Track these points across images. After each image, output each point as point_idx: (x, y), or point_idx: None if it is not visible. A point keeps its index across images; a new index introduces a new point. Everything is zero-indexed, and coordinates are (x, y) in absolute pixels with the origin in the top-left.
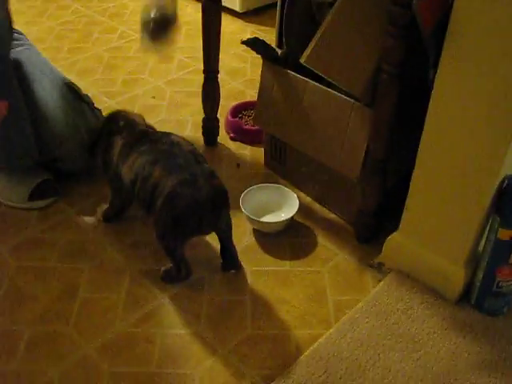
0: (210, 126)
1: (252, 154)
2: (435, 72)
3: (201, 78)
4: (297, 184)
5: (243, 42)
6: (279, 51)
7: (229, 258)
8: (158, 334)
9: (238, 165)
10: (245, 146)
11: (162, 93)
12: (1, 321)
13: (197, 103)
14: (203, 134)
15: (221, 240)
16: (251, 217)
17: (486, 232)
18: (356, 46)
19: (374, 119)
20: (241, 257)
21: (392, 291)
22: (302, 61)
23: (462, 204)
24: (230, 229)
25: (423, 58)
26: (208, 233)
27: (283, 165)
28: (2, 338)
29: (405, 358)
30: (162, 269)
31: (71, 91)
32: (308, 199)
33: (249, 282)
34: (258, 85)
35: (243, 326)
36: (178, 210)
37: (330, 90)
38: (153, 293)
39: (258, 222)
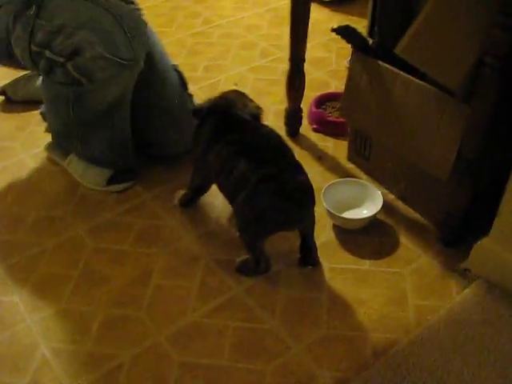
0: (293, 116)
1: (335, 146)
2: None
3: (284, 66)
4: (380, 180)
5: (333, 30)
6: (370, 40)
7: (308, 254)
8: (231, 327)
9: (320, 157)
10: (327, 138)
11: (244, 80)
12: (76, 300)
13: (279, 92)
14: (285, 124)
15: (302, 235)
16: (332, 212)
17: None
18: (455, 37)
19: (470, 116)
20: (319, 252)
21: (478, 300)
22: (396, 51)
23: None
24: (313, 225)
25: None
26: (292, 230)
27: (367, 159)
28: (77, 318)
29: (491, 374)
30: (238, 260)
31: (179, 78)
32: (391, 196)
33: (326, 279)
34: (342, 76)
35: (319, 324)
36: (260, 207)
37: (423, 83)
38: (227, 284)
39: (340, 217)
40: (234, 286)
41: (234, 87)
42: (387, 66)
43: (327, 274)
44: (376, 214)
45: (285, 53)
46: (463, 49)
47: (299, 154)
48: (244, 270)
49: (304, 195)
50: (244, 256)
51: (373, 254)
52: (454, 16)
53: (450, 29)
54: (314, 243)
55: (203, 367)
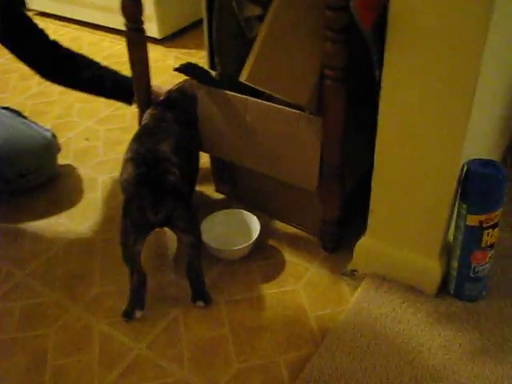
0: None
1: (200, 180)
2: (381, 70)
3: (131, 111)
4: (252, 204)
5: (176, 69)
6: (213, 72)
7: (196, 287)
8: None
9: None
10: None
11: (95, 133)
12: None
13: None
14: None
15: (187, 256)
16: (214, 247)
17: (454, 220)
18: (296, 55)
19: (324, 127)
20: (211, 288)
21: (371, 296)
22: (242, 79)
23: (427, 196)
24: (195, 237)
25: (368, 57)
26: (155, 224)
27: (234, 187)
28: None
29: (400, 362)
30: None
31: (10, 111)
32: (267, 218)
33: (225, 313)
34: None
35: (229, 361)
36: (126, 195)
37: (272, 104)
38: (127, 345)
39: (222, 250)
40: (135, 345)
41: (86, 142)
42: (234, 94)
43: (224, 309)
44: (256, 238)
45: None
46: (306, 65)
47: None
48: (126, 310)
49: (163, 185)
50: None
51: (263, 278)
52: (292, 35)
53: (290, 48)
54: (201, 275)
55: None
